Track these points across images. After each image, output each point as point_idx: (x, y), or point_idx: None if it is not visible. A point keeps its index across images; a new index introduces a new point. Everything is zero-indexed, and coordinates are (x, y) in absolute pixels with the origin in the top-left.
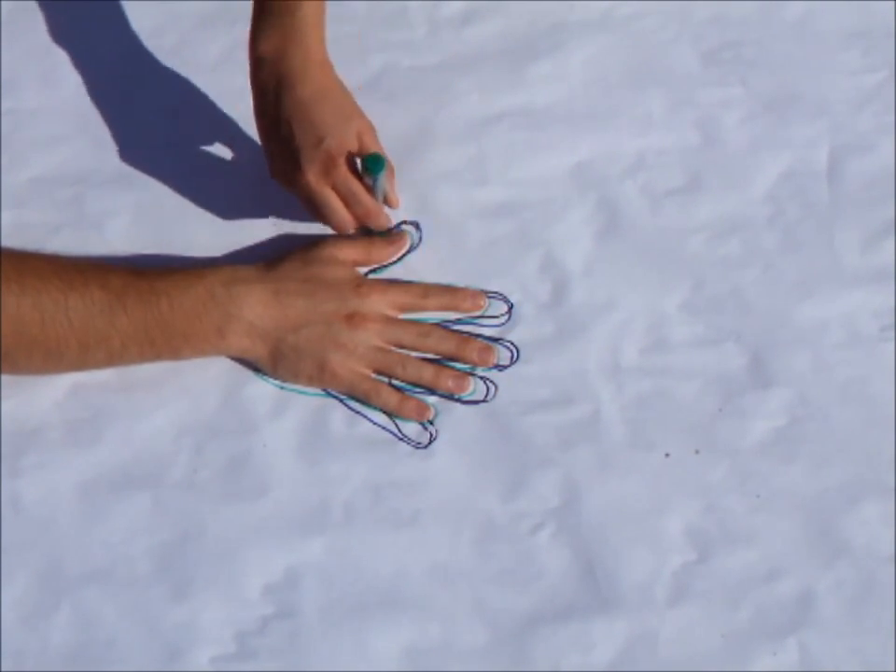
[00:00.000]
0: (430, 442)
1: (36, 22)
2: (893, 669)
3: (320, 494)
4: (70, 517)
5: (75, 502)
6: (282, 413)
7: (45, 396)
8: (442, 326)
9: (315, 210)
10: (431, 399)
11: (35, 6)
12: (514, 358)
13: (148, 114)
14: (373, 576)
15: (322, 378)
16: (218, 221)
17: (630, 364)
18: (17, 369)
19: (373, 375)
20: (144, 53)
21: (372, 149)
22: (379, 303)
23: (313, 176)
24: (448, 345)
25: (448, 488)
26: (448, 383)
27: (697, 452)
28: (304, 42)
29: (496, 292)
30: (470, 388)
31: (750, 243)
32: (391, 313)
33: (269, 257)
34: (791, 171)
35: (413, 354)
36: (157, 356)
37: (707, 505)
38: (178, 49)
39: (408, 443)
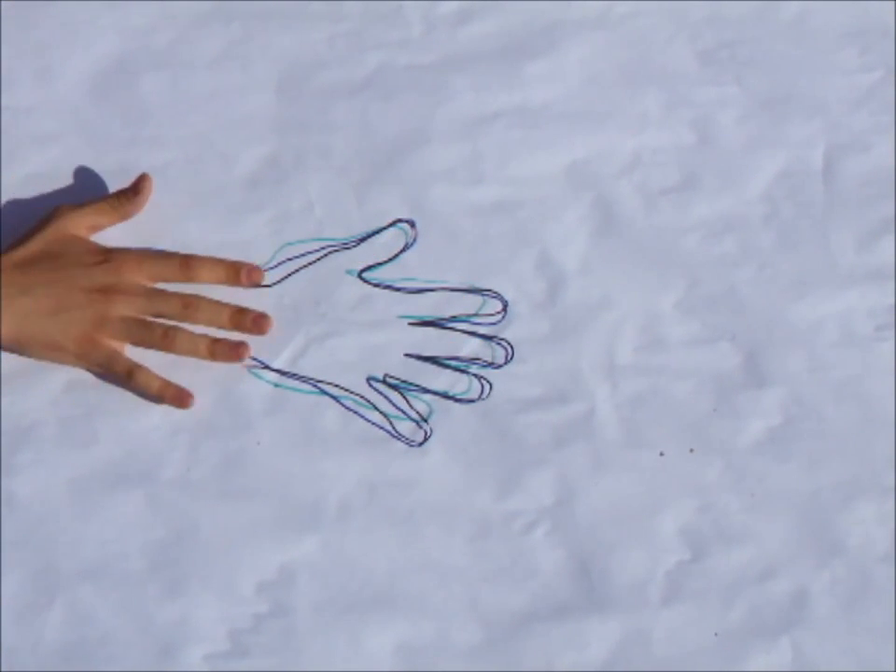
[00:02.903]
0: (425, 441)
1: (33, 20)
2: (892, 670)
3: (314, 492)
4: (64, 514)
5: (69, 499)
6: (276, 410)
7: (39, 393)
8: (455, 321)
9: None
10: (426, 398)
11: (31, 4)
12: (509, 357)
13: (144, 112)
14: (367, 574)
15: (78, 358)
16: (214, 219)
17: (625, 363)
18: None
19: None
20: (139, 51)
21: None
22: (134, 275)
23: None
24: (220, 316)
25: (442, 486)
26: (225, 352)
27: (692, 451)
28: None
29: (490, 290)
30: (250, 353)
31: (746, 242)
32: (149, 284)
33: (264, 255)
34: (786, 170)
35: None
36: None
37: (701, 504)
38: (173, 47)
39: (402, 442)
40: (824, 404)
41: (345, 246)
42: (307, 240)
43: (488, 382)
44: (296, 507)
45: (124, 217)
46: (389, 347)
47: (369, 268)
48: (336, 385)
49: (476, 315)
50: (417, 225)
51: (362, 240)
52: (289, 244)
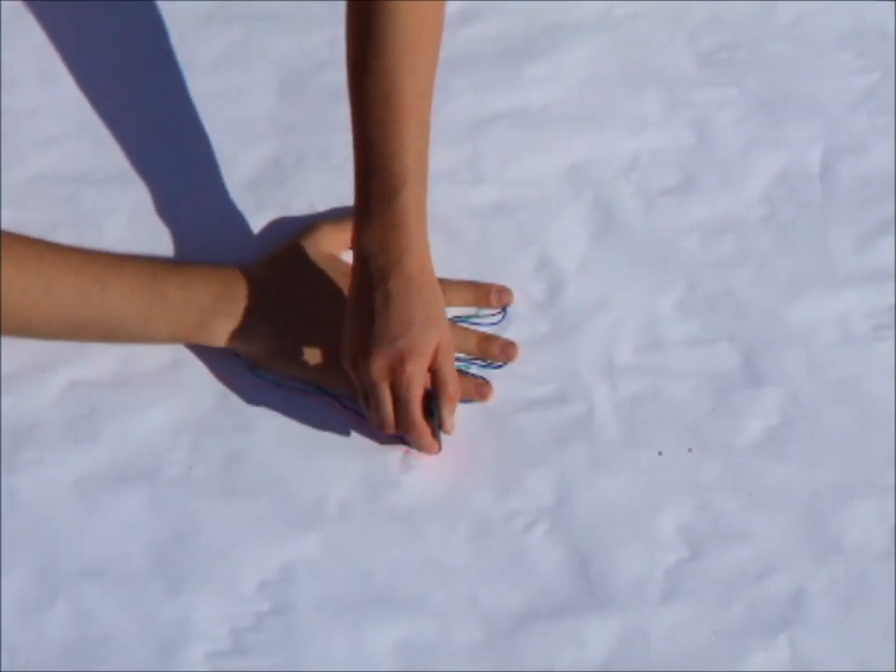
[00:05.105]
0: None
1: (35, 22)
2: (891, 669)
3: (315, 491)
4: (67, 513)
5: (71, 498)
6: (278, 410)
7: (43, 392)
8: (457, 321)
9: (365, 400)
10: None
11: (34, 5)
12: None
13: (146, 113)
14: (368, 573)
15: (322, 378)
16: (216, 220)
17: (624, 363)
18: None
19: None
20: (141, 53)
21: (443, 367)
22: None
23: (376, 369)
24: (468, 342)
25: (442, 486)
26: (470, 389)
27: (690, 450)
28: (404, 233)
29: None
30: (493, 395)
31: (744, 243)
32: None
33: (265, 256)
34: (784, 171)
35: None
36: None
37: (699, 503)
38: (176, 48)
39: (402, 441)
40: (822, 404)
41: (347, 247)
42: None
43: (488, 382)
44: (297, 506)
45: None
46: None
47: None
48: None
49: (476, 315)
50: None
51: None
52: None
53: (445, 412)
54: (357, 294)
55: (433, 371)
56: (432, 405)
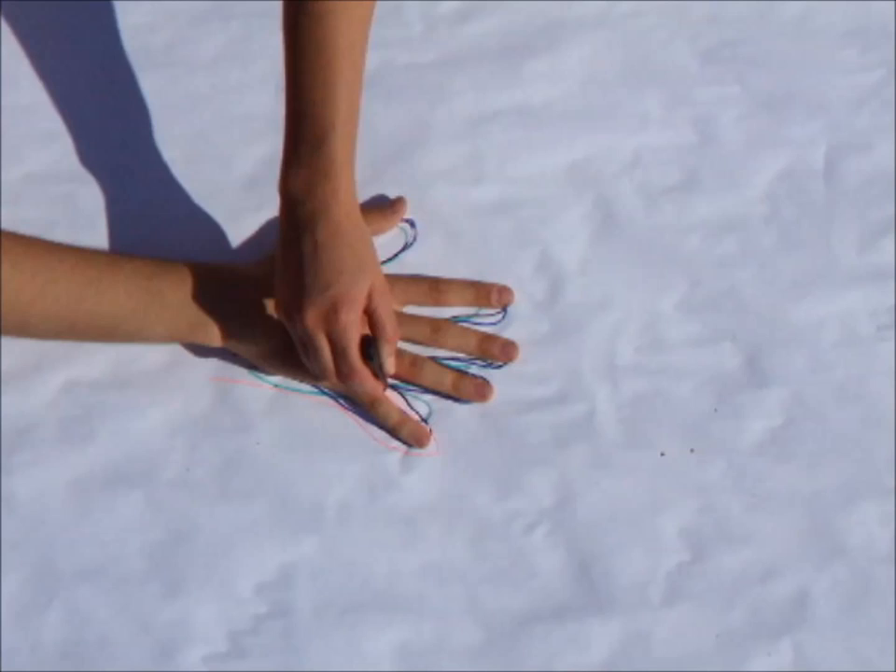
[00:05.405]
0: None
1: (32, 20)
2: (893, 670)
3: (314, 492)
4: (63, 515)
5: (68, 500)
6: (276, 411)
7: (38, 394)
8: (457, 321)
9: (304, 352)
10: (426, 397)
11: (31, 3)
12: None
13: (143, 111)
14: (367, 575)
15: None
16: (213, 219)
17: (626, 363)
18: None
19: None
20: (138, 51)
21: (378, 310)
22: None
23: (310, 320)
24: (468, 342)
25: (442, 487)
26: (470, 390)
27: (693, 451)
28: (332, 179)
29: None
30: (493, 396)
31: (747, 242)
32: (399, 308)
33: (264, 256)
34: (788, 170)
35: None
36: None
37: (702, 505)
38: (172, 46)
39: (402, 442)
40: (825, 405)
41: None
42: None
43: (488, 382)
44: (295, 507)
45: (376, 232)
46: None
47: None
48: None
49: (476, 314)
50: (417, 225)
51: None
52: None
53: (384, 353)
54: (284, 243)
55: (369, 315)
56: (371, 349)
